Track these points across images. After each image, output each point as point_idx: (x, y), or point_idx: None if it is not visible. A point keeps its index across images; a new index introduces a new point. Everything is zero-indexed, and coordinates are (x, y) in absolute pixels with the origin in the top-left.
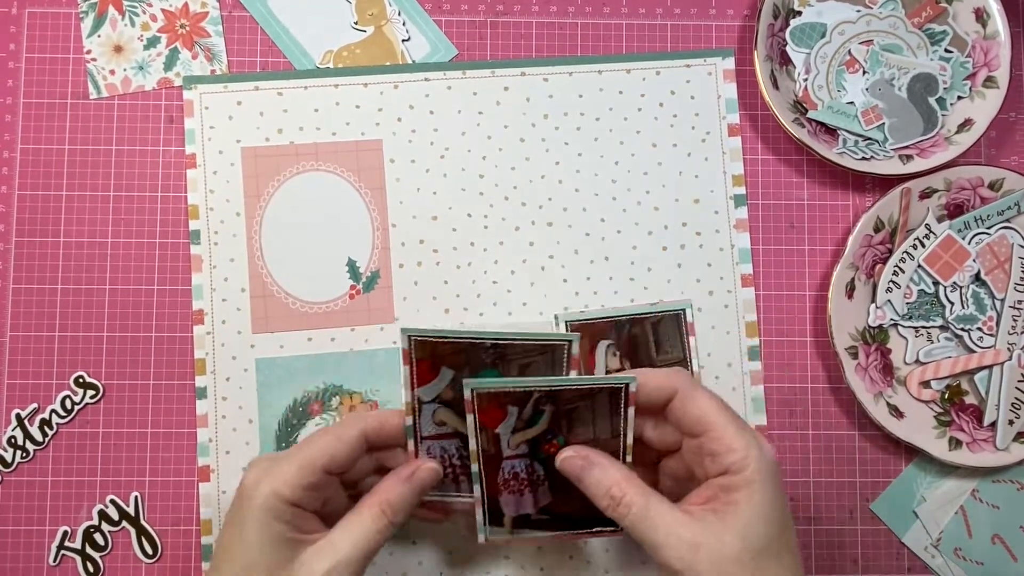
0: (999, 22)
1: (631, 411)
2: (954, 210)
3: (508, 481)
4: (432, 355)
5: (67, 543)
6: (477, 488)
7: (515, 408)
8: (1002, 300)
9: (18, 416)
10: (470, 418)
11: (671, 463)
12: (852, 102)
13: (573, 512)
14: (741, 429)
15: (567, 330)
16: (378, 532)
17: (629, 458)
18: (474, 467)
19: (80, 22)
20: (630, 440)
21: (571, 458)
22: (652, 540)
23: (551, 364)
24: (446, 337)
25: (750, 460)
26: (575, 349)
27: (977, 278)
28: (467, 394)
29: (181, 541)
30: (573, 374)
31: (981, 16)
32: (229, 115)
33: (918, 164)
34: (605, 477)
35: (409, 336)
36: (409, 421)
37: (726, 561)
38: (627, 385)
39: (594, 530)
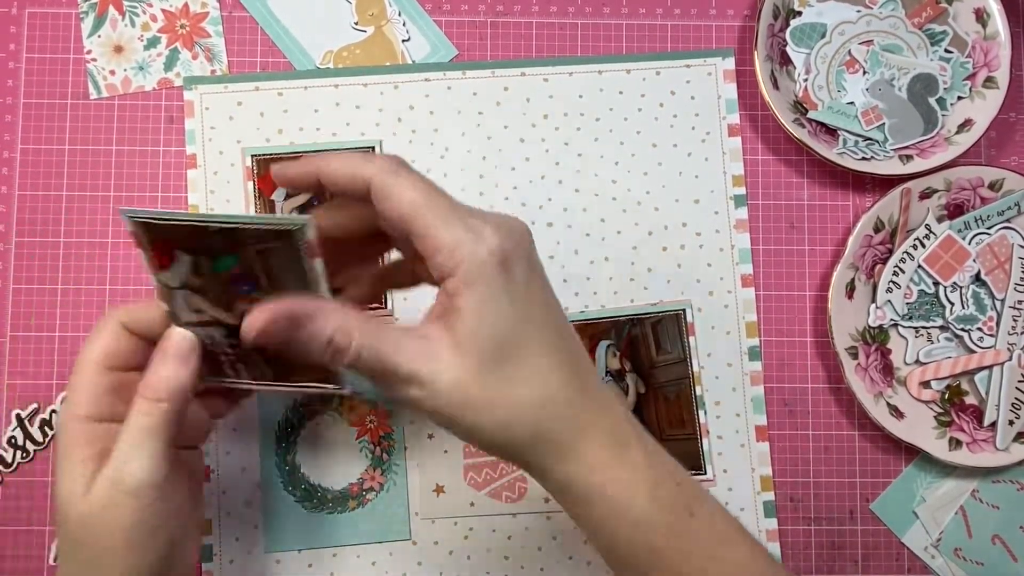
0: (999, 22)
1: (318, 264)
2: (954, 210)
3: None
4: (164, 239)
5: None
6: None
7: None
8: (1002, 300)
9: (18, 416)
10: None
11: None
12: (852, 102)
13: (341, 285)
14: (450, 222)
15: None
16: (153, 429)
17: None
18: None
19: (80, 22)
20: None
21: (268, 322)
22: (383, 379)
23: (288, 251)
24: (169, 220)
25: (460, 258)
26: (309, 233)
27: (977, 278)
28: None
29: None
30: (317, 262)
31: (981, 16)
32: (229, 115)
33: (918, 164)
34: (323, 325)
35: (130, 218)
36: (165, 307)
37: (463, 384)
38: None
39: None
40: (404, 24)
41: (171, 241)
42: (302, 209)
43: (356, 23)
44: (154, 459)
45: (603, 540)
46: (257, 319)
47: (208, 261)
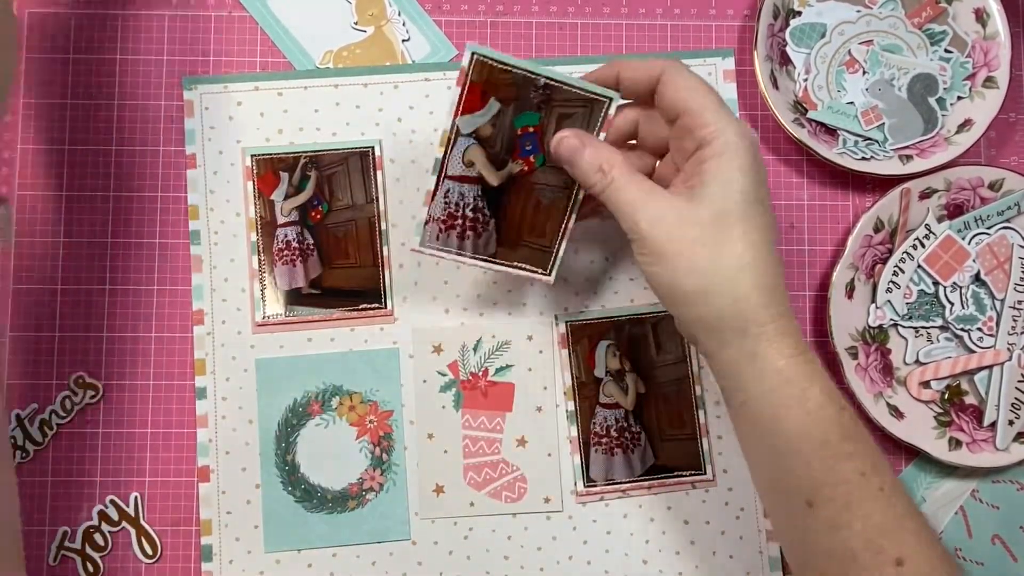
0: (999, 22)
1: (603, 137)
2: (954, 210)
3: (282, 251)
4: (487, 81)
5: (67, 543)
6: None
7: (286, 174)
8: (1002, 300)
9: (18, 416)
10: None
11: (664, 169)
12: (852, 102)
13: (342, 286)
14: (719, 109)
15: (567, 330)
16: None
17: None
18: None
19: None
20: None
21: (567, 138)
22: (622, 209)
23: (587, 119)
24: (506, 64)
25: (719, 134)
26: (612, 109)
27: (977, 278)
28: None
29: (181, 541)
30: (602, 136)
31: (981, 16)
32: (229, 115)
33: (918, 164)
34: (598, 155)
35: (473, 53)
36: (440, 153)
37: (681, 227)
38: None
39: (360, 307)
40: (404, 24)
41: (494, 86)
42: (301, 209)
43: (356, 23)
44: None
45: (771, 435)
46: (562, 134)
47: (513, 114)
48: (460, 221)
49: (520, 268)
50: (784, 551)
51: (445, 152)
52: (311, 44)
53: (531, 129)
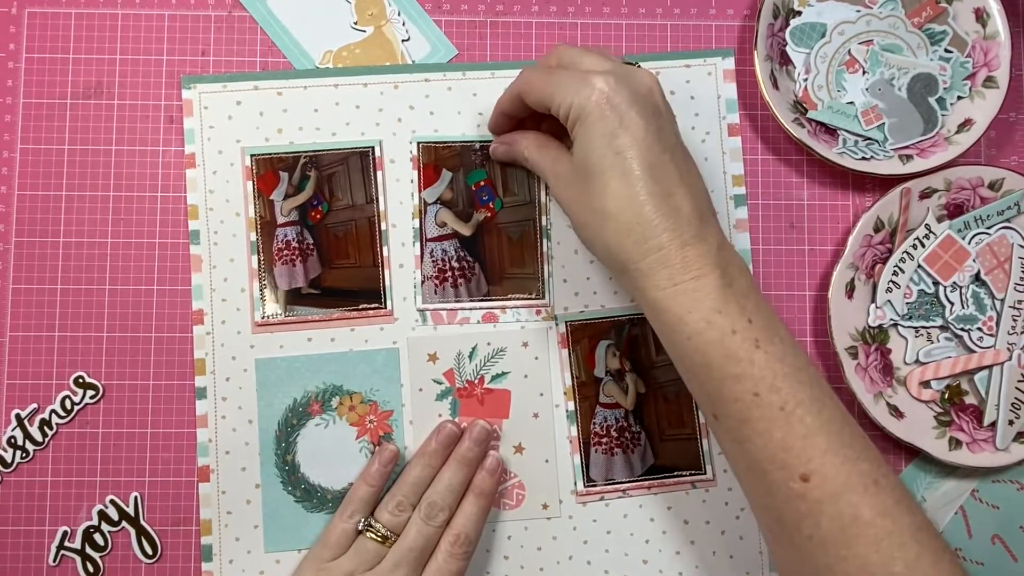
0: (999, 22)
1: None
2: (954, 210)
3: (281, 251)
4: (435, 159)
5: (67, 543)
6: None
7: (286, 173)
8: (1002, 300)
9: (18, 416)
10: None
11: None
12: (852, 102)
13: (342, 286)
14: (565, 84)
15: (567, 330)
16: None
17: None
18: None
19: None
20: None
21: (495, 148)
22: (543, 176)
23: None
24: (445, 142)
25: (567, 107)
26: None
27: (977, 278)
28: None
29: (181, 541)
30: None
31: (981, 16)
32: (228, 115)
33: (918, 164)
34: (516, 145)
35: (418, 143)
36: (416, 224)
37: (567, 183)
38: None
39: (360, 307)
40: (404, 24)
41: (442, 160)
42: (301, 208)
43: (356, 23)
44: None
45: (671, 352)
46: (497, 144)
47: (464, 175)
48: (449, 273)
49: (516, 299)
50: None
51: (420, 221)
52: (311, 44)
53: (483, 183)
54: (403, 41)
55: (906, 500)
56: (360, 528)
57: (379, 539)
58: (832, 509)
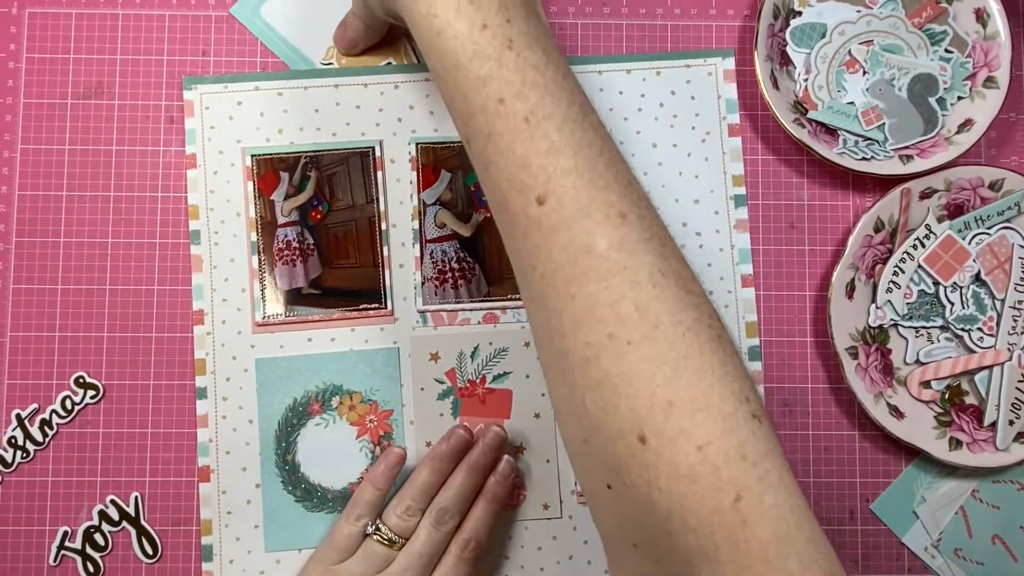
0: (999, 22)
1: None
2: (954, 210)
3: (282, 251)
4: (434, 159)
5: (67, 543)
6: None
7: (287, 174)
8: (1002, 300)
9: (18, 416)
10: None
11: None
12: (852, 102)
13: (343, 286)
14: None
15: None
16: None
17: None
18: None
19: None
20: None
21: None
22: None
23: None
24: (444, 143)
25: None
26: None
27: (977, 278)
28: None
29: (181, 541)
30: None
31: (981, 16)
32: (229, 115)
33: (918, 164)
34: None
35: (416, 144)
36: (416, 225)
37: None
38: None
39: (360, 307)
40: None
41: (440, 161)
42: (302, 209)
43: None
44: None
45: (428, 65)
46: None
47: (462, 176)
48: (449, 275)
49: (517, 299)
50: None
51: (420, 223)
52: (311, 47)
53: None
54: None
55: (658, 241)
56: (368, 531)
57: (386, 543)
58: (564, 237)
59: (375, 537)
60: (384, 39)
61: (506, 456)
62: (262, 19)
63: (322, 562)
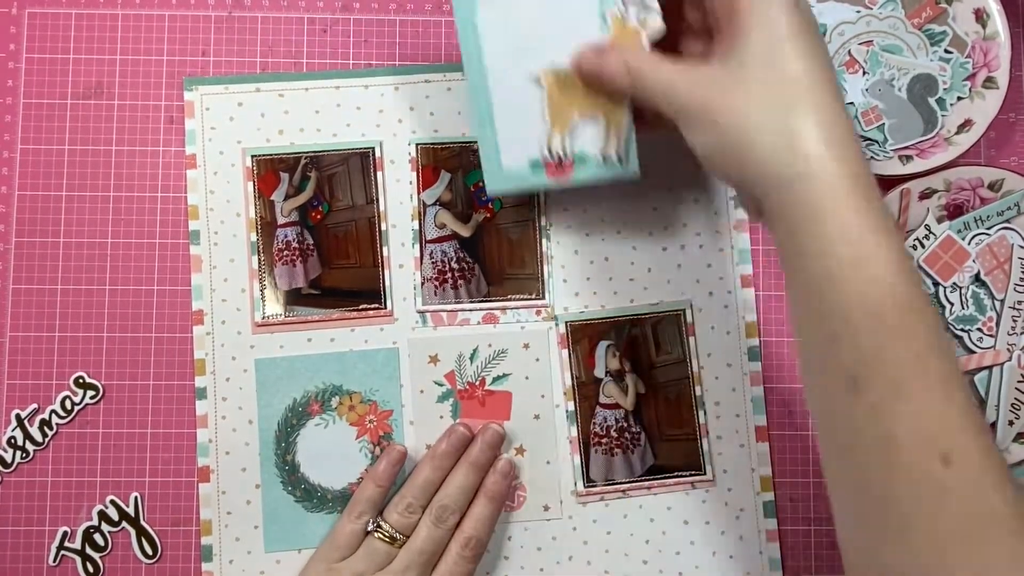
0: (999, 22)
1: None
2: (954, 211)
3: (281, 251)
4: (433, 160)
5: (67, 543)
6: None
7: (287, 174)
8: (1002, 301)
9: (18, 416)
10: None
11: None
12: (852, 103)
13: (342, 286)
14: None
15: (567, 330)
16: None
17: None
18: None
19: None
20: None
21: (583, 55)
22: (656, 91)
23: None
24: (443, 143)
25: None
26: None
27: (977, 279)
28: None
29: (181, 541)
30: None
31: (981, 16)
32: (230, 116)
33: (918, 164)
34: (617, 55)
35: (416, 144)
36: (416, 225)
37: (726, 78)
38: None
39: (360, 307)
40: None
41: (440, 161)
42: (302, 209)
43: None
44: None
45: (815, 291)
46: (577, 54)
47: (463, 176)
48: (449, 275)
49: (516, 300)
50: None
51: (419, 223)
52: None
53: (481, 183)
54: None
55: None
56: (369, 529)
57: (388, 540)
58: (963, 502)
59: (376, 535)
60: None
61: (504, 455)
62: (491, 111)
63: (324, 560)
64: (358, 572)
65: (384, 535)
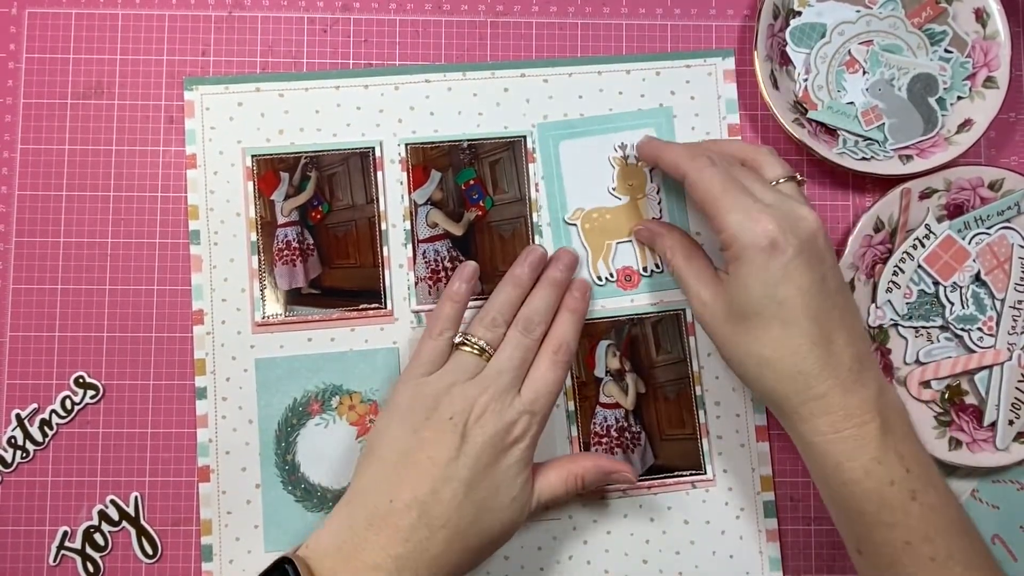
0: (999, 22)
1: (531, 167)
2: (954, 210)
3: (282, 251)
4: (423, 159)
5: (67, 543)
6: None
7: (287, 174)
8: (1002, 300)
9: (18, 416)
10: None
11: None
12: (852, 102)
13: (342, 286)
14: (735, 210)
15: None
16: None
17: None
18: None
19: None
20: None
21: (641, 231)
22: (684, 289)
23: (513, 159)
24: (433, 142)
25: (733, 240)
26: (528, 143)
27: (977, 278)
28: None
29: (181, 541)
30: (531, 167)
31: (981, 16)
32: (230, 116)
33: (918, 164)
34: (663, 243)
35: (406, 144)
36: (408, 225)
37: (719, 319)
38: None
39: (360, 307)
40: (660, 203)
41: (430, 160)
42: (302, 209)
43: (614, 189)
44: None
45: (821, 487)
46: (643, 228)
47: (453, 175)
48: (443, 274)
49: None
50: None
51: (411, 223)
52: (571, 196)
53: (472, 181)
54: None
55: None
56: (457, 341)
57: (476, 352)
58: None
59: (464, 348)
60: (630, 214)
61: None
62: (558, 154)
63: (412, 377)
64: (449, 383)
65: (473, 347)
